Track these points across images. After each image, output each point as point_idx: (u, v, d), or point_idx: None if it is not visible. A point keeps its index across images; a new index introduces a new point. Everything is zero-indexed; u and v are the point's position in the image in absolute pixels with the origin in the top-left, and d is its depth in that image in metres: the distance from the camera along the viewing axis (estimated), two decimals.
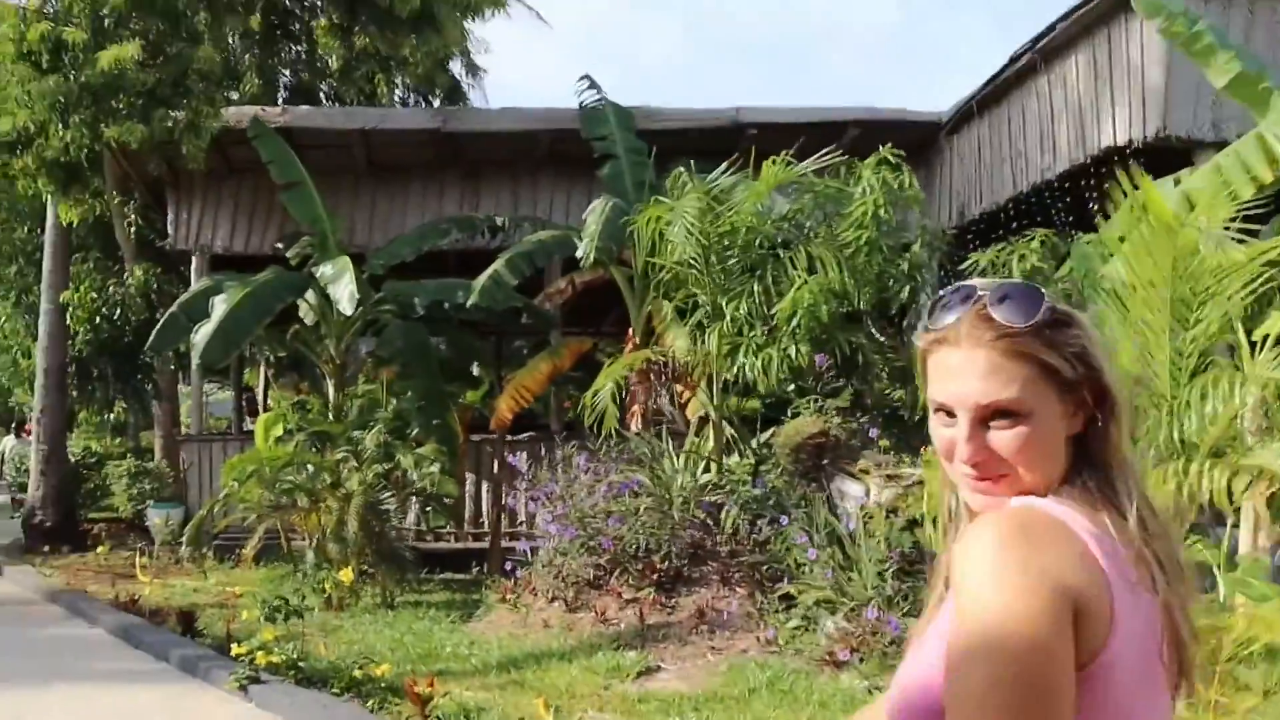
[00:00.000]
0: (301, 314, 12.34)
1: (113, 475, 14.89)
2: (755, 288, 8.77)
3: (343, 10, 14.66)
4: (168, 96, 11.94)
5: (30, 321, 16.62)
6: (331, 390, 12.01)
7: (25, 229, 17.55)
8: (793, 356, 8.50)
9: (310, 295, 11.82)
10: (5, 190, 13.75)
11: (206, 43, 12.70)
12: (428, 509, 11.22)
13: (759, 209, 8.84)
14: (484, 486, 12.40)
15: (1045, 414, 1.29)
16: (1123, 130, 9.83)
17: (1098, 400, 1.33)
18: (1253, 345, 5.26)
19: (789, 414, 8.79)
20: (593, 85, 12.95)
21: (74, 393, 15.31)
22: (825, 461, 8.37)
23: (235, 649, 7.14)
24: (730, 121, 12.81)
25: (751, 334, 8.73)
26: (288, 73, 17.95)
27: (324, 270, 11.28)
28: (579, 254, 10.47)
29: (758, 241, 8.98)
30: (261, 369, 21.10)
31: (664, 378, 9.96)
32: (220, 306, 10.81)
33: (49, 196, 13.72)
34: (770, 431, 8.95)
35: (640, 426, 9.75)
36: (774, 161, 8.66)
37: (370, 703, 6.25)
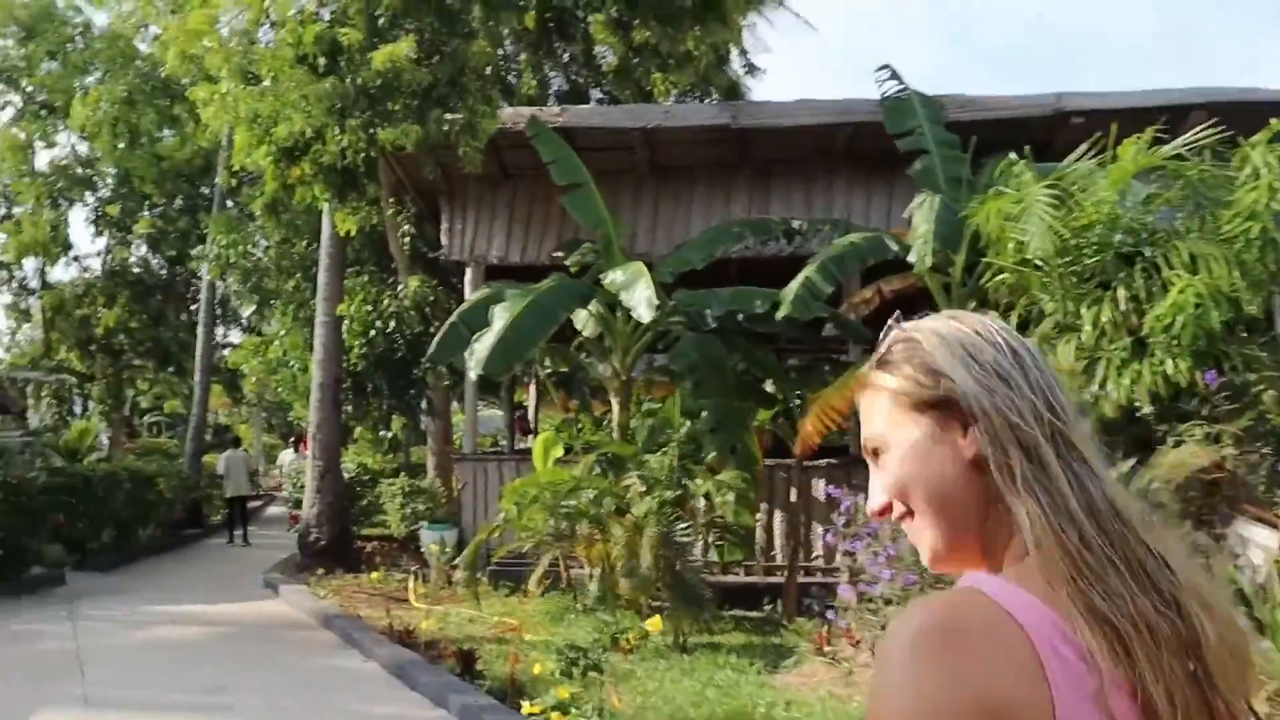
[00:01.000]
0: (579, 325, 11.44)
1: (385, 494, 14.65)
2: (1120, 292, 7.58)
3: (624, 3, 13.85)
4: (443, 96, 11.54)
5: (308, 336, 16.63)
6: (617, 409, 11.07)
7: (304, 244, 17.68)
8: (1169, 373, 7.20)
9: (593, 305, 10.98)
10: (284, 202, 13.58)
11: (481, 39, 12.16)
12: (721, 542, 10.02)
13: (1118, 202, 7.78)
14: (776, 516, 11.77)
15: (900, 440, 1.18)
16: None
17: (974, 415, 1.15)
18: None
19: (1166, 440, 7.27)
20: (894, 76, 11.53)
21: (348, 408, 15.13)
22: (1219, 501, 6.98)
23: (526, 708, 6.18)
24: (1051, 109, 11.73)
25: (1114, 346, 7.55)
26: (560, 76, 17.44)
27: (613, 277, 10.32)
28: (911, 257, 9.12)
29: (1116, 238, 7.87)
30: (532, 386, 20.49)
31: None
32: (501, 316, 10.02)
33: (325, 206, 13.56)
34: (1133, 460, 7.48)
35: None
36: (1138, 139, 7.70)
37: None
